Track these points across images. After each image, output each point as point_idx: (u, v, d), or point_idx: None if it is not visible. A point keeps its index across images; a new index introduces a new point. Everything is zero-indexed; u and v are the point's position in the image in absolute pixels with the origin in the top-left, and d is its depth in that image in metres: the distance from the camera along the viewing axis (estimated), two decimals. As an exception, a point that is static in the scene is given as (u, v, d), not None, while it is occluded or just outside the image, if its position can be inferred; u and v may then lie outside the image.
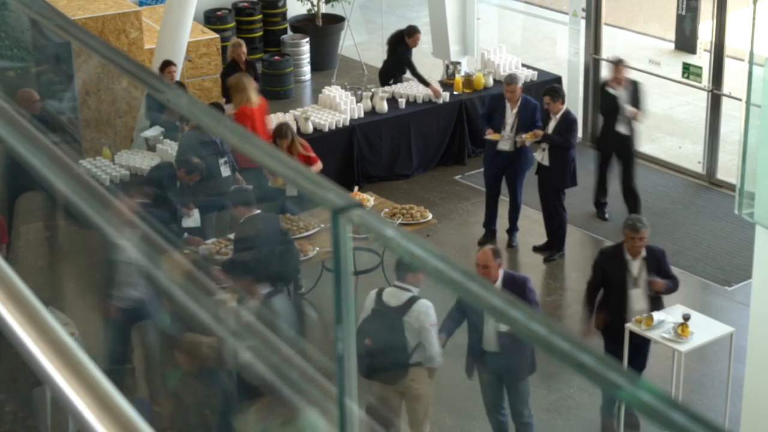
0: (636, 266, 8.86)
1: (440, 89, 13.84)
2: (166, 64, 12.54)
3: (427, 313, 8.17)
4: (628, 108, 12.05)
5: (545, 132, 11.52)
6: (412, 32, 14.01)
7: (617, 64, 12.17)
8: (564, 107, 11.63)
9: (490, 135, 11.74)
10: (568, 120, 11.56)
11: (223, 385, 7.95)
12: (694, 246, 12.03)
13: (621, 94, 12.08)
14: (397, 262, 8.42)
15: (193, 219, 10.40)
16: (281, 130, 11.08)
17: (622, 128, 12.17)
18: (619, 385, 1.90)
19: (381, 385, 8.34)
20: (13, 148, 2.74)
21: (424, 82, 13.84)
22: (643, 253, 8.85)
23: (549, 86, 12.43)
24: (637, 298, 8.91)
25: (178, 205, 10.20)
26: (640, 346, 9.03)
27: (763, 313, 8.11)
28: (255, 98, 11.76)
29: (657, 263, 8.93)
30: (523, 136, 11.62)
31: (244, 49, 13.20)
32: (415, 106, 13.80)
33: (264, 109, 11.99)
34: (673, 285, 9.03)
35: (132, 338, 9.07)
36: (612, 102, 12.15)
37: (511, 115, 11.77)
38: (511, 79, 11.84)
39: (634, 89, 12.17)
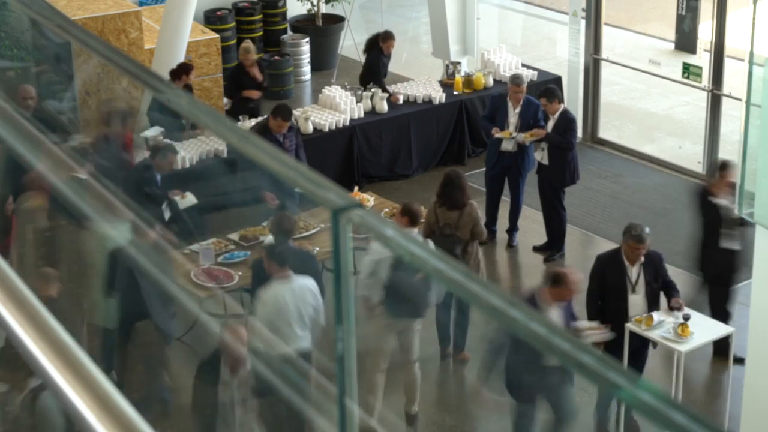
0: (634, 272, 8.85)
1: (400, 98, 13.74)
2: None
3: None
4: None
5: (545, 131, 11.51)
6: (387, 37, 13.98)
7: (723, 169, 9.79)
8: (562, 106, 11.61)
9: (498, 133, 11.70)
10: (566, 119, 11.54)
11: None
12: (694, 246, 12.01)
13: (726, 203, 9.66)
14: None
15: (188, 200, 10.46)
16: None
17: (729, 244, 9.83)
18: (619, 385, 1.90)
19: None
20: (13, 148, 2.74)
21: (385, 91, 13.78)
22: (642, 258, 8.83)
23: (544, 88, 12.25)
24: (636, 303, 8.89)
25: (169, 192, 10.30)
26: (638, 350, 9.02)
27: (763, 313, 8.11)
28: None
29: (655, 268, 8.92)
30: (523, 135, 11.60)
31: (252, 55, 13.23)
32: (415, 106, 13.79)
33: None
34: (678, 290, 9.11)
35: None
36: (716, 214, 9.81)
37: (513, 114, 11.76)
38: (519, 80, 11.81)
39: None
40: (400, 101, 13.72)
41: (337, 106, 13.42)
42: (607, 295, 8.89)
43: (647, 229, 8.87)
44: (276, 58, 16.05)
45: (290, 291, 8.38)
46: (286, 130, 11.28)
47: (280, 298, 8.35)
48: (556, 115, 11.49)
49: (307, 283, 8.51)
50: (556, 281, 8.18)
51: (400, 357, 9.18)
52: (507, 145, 11.76)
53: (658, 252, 9.13)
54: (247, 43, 13.70)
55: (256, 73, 13.14)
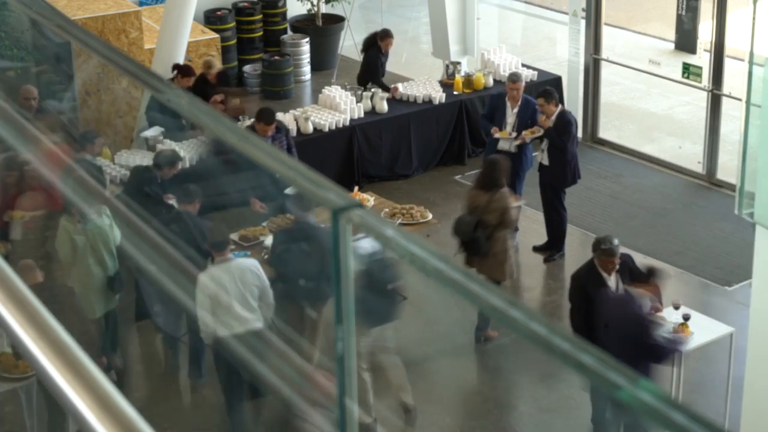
0: (613, 280, 8.83)
1: (399, 88, 13.82)
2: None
3: None
4: None
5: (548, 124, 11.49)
6: (385, 35, 13.95)
7: None
8: (559, 108, 11.60)
9: (497, 133, 11.71)
10: (564, 120, 11.51)
11: None
12: (694, 246, 12.03)
13: None
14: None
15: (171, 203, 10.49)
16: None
17: None
18: (619, 385, 1.90)
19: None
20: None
21: (385, 89, 13.78)
22: (617, 266, 8.84)
23: (542, 89, 12.25)
24: None
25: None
26: None
27: (763, 313, 8.11)
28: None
29: (629, 270, 8.90)
30: (523, 133, 11.63)
31: (214, 71, 13.08)
32: (415, 106, 13.79)
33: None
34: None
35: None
36: None
37: (511, 114, 11.77)
38: (516, 77, 11.85)
39: None
40: (399, 90, 13.73)
41: (337, 106, 13.42)
42: (591, 309, 8.67)
43: (616, 240, 8.86)
44: (276, 58, 16.05)
45: (228, 272, 8.49)
46: (272, 132, 11.26)
47: (217, 280, 8.47)
48: (554, 117, 11.48)
49: (248, 263, 8.69)
50: (649, 276, 8.39)
51: (378, 352, 9.14)
52: (504, 145, 11.77)
53: (627, 254, 9.22)
54: (209, 59, 13.51)
55: (218, 97, 12.83)
